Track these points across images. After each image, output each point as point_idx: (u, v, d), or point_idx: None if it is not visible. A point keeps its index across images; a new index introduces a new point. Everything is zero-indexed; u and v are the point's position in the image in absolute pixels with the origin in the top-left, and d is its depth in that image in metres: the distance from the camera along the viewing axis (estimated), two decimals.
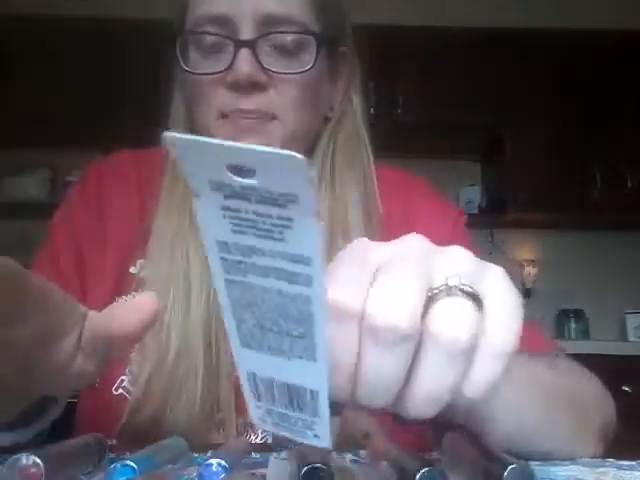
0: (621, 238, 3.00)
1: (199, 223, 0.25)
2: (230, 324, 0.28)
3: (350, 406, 0.29)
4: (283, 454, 0.44)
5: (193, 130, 0.64)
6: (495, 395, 0.38)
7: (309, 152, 0.66)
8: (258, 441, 0.61)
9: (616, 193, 2.80)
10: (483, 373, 0.27)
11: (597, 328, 2.93)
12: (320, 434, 0.30)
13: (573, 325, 2.91)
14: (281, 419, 0.30)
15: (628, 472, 0.41)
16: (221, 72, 0.58)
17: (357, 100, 0.69)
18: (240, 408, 0.60)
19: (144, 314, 0.31)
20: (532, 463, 0.38)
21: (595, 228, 2.97)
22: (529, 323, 0.68)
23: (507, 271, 0.30)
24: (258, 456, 0.43)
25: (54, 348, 0.31)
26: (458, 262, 0.28)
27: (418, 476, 0.30)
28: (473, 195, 3.03)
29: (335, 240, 0.60)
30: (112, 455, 0.39)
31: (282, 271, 0.25)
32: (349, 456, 0.44)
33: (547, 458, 0.45)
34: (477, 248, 0.71)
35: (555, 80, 2.81)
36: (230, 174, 0.23)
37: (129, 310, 0.31)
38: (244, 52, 0.57)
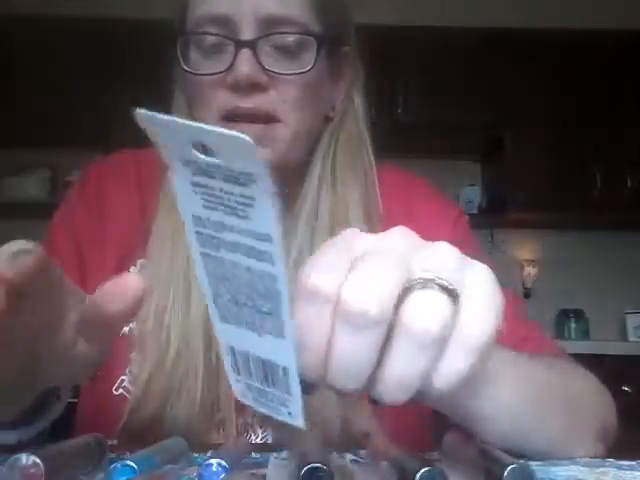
0: (621, 238, 3.00)
1: (176, 196, 0.27)
2: (208, 297, 0.29)
3: (323, 387, 0.29)
4: (283, 454, 0.44)
5: None
6: (485, 392, 0.38)
7: (310, 152, 0.66)
8: (258, 441, 0.61)
9: (616, 193, 2.80)
10: (453, 365, 0.28)
11: (597, 328, 2.93)
12: (293, 412, 0.31)
13: (573, 325, 2.92)
14: (259, 394, 0.32)
15: (628, 472, 0.41)
16: (221, 72, 0.58)
17: (359, 100, 0.69)
18: (240, 408, 0.60)
19: (134, 290, 0.32)
20: (532, 463, 0.38)
21: (595, 228, 2.97)
22: (530, 323, 0.68)
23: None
24: (258, 456, 0.43)
25: (57, 332, 0.32)
26: (439, 257, 0.29)
27: (418, 476, 0.30)
28: (473, 195, 3.03)
29: None
30: (112, 455, 0.39)
31: (248, 248, 0.26)
32: (349, 456, 0.44)
33: (543, 457, 0.45)
34: (479, 247, 0.71)
35: (555, 80, 2.81)
36: (195, 152, 0.24)
37: (119, 287, 0.32)
38: (244, 52, 0.57)
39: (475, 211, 2.93)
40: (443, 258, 0.29)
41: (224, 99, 0.59)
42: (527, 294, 3.02)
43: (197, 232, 0.27)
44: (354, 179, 0.65)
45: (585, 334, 2.90)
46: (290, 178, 0.66)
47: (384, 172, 0.69)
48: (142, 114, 0.24)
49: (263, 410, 0.32)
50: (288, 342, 0.28)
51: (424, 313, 0.27)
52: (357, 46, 0.69)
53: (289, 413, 0.31)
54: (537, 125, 2.79)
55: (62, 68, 2.67)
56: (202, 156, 0.24)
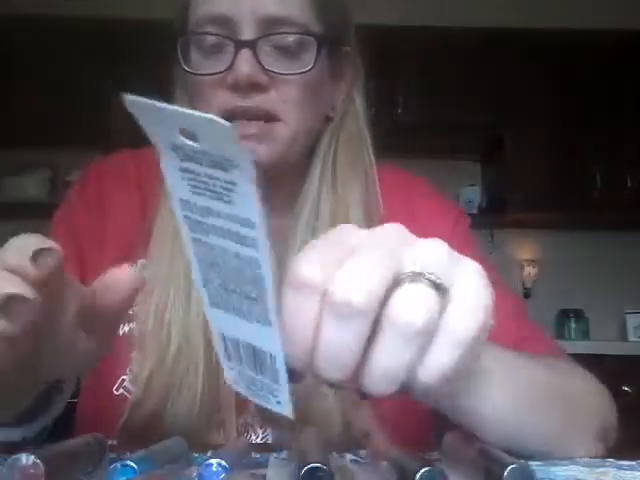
0: (621, 238, 3.00)
1: (165, 180, 0.27)
2: (198, 283, 0.30)
3: (310, 377, 0.30)
4: (283, 454, 0.44)
5: None
6: (480, 390, 0.38)
7: (311, 152, 0.66)
8: (258, 441, 0.61)
9: (616, 193, 2.80)
10: (438, 359, 0.28)
11: (597, 328, 2.93)
12: (282, 401, 0.31)
13: (573, 325, 2.92)
14: (250, 382, 0.32)
15: (628, 472, 0.41)
16: (221, 72, 0.58)
17: (360, 100, 0.69)
18: (240, 408, 0.60)
19: (129, 281, 0.33)
20: (532, 463, 0.38)
21: (595, 228, 2.97)
22: (531, 324, 0.68)
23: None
24: (258, 456, 0.43)
25: (58, 324, 0.33)
26: (430, 252, 0.30)
27: (418, 476, 0.30)
28: (473, 195, 3.03)
29: None
30: (112, 455, 0.39)
31: (234, 234, 0.26)
32: (349, 456, 0.44)
33: (541, 456, 0.45)
34: (479, 247, 0.71)
35: (555, 80, 2.81)
36: (181, 137, 0.25)
37: (115, 278, 0.34)
38: (244, 53, 0.57)
39: (475, 211, 2.93)
40: (434, 254, 0.30)
41: (224, 99, 0.59)
42: (527, 294, 3.02)
43: (186, 217, 0.28)
44: (355, 179, 0.65)
45: (585, 334, 2.90)
46: (290, 178, 0.66)
47: (384, 172, 0.69)
48: (130, 99, 0.24)
49: (254, 399, 0.33)
50: (274, 329, 0.28)
51: (410, 306, 0.28)
52: (357, 46, 0.69)
53: (278, 402, 0.31)
54: (537, 125, 2.79)
55: (62, 68, 2.67)
56: (187, 141, 0.25)
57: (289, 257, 0.30)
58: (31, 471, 0.29)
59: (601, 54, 2.81)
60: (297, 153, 0.64)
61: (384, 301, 0.28)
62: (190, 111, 0.24)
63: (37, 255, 0.31)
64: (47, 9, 2.77)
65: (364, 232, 0.31)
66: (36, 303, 0.30)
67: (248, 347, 0.30)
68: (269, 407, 0.32)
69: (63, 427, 0.50)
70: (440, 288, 0.28)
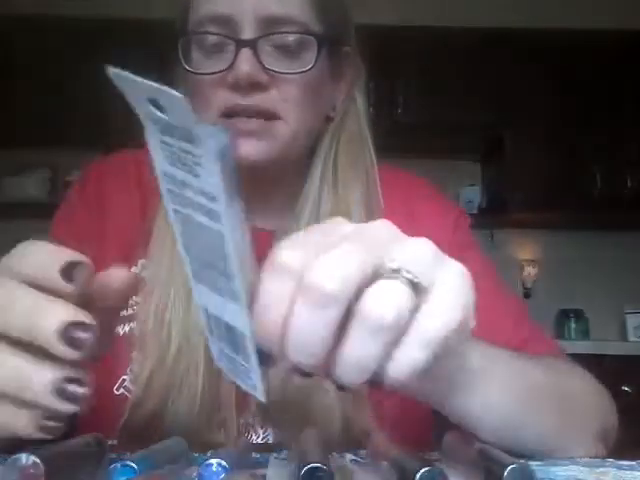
0: (621, 238, 3.00)
1: (150, 152, 0.28)
2: (184, 256, 0.30)
3: (280, 361, 0.30)
4: (283, 454, 0.44)
5: None
6: (471, 389, 0.39)
7: (311, 152, 0.66)
8: (259, 441, 0.61)
9: (616, 193, 2.80)
10: (407, 355, 0.29)
11: (597, 328, 2.93)
12: (256, 384, 0.31)
13: (573, 325, 2.92)
14: (230, 362, 0.32)
15: (628, 472, 0.41)
16: (222, 72, 0.58)
17: (361, 100, 0.69)
18: (241, 408, 0.60)
19: (125, 280, 0.34)
20: (532, 463, 0.38)
21: (595, 228, 2.97)
22: (531, 324, 0.68)
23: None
24: (258, 456, 0.43)
25: None
26: (413, 251, 0.30)
27: (418, 476, 0.30)
28: (473, 195, 3.03)
29: None
30: (112, 455, 0.39)
31: (204, 207, 0.27)
32: (349, 456, 0.44)
33: (537, 455, 0.45)
34: (479, 248, 0.71)
35: (555, 80, 2.81)
36: (152, 108, 0.25)
37: (110, 276, 0.34)
38: (245, 52, 0.57)
39: (475, 211, 2.92)
40: (417, 253, 0.30)
41: (225, 98, 0.59)
42: (527, 294, 3.02)
43: (168, 189, 0.28)
44: (356, 180, 0.65)
45: (585, 334, 2.90)
46: (291, 178, 0.66)
47: (384, 172, 0.69)
48: (114, 72, 0.25)
49: (234, 378, 0.33)
50: (243, 308, 0.28)
51: (382, 301, 0.28)
52: (358, 46, 0.69)
53: (253, 385, 0.32)
54: (537, 125, 2.79)
55: (62, 68, 2.67)
56: (158, 113, 0.25)
57: None
58: (31, 471, 0.29)
59: (601, 54, 2.81)
60: (297, 152, 0.64)
61: (360, 294, 0.28)
62: (154, 83, 0.24)
63: (68, 269, 0.30)
64: (47, 9, 2.77)
65: (352, 226, 0.32)
66: (95, 327, 0.30)
67: (225, 324, 0.31)
68: (247, 389, 0.32)
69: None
70: (416, 287, 0.29)
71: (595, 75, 2.81)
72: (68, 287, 0.30)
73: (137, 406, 0.58)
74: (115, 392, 0.61)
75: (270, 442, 0.61)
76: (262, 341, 0.29)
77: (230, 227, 0.26)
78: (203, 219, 0.27)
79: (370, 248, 0.29)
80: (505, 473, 0.32)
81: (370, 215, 0.64)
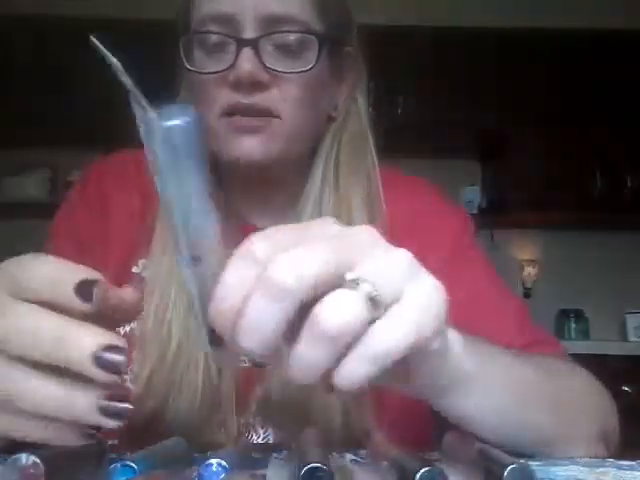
0: (621, 238, 3.00)
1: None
2: (169, 222, 0.32)
3: (231, 345, 0.30)
4: (283, 454, 0.44)
5: None
6: (464, 390, 0.39)
7: (313, 152, 0.66)
8: (259, 441, 0.61)
9: (616, 193, 2.80)
10: (351, 368, 0.29)
11: (597, 328, 2.93)
12: (204, 338, 0.32)
13: (573, 325, 2.91)
14: (197, 331, 0.33)
15: (628, 472, 0.41)
16: (223, 71, 0.58)
17: (362, 101, 0.69)
18: (241, 408, 0.60)
19: (133, 302, 0.34)
20: (532, 463, 0.38)
21: (595, 228, 2.97)
22: (534, 326, 0.68)
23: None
24: (258, 456, 0.43)
25: None
26: (386, 263, 0.30)
27: (418, 476, 0.30)
28: (473, 195, 3.03)
29: None
30: (112, 455, 0.39)
31: (160, 173, 0.29)
32: (349, 456, 0.44)
33: (535, 455, 0.45)
34: (480, 250, 0.71)
35: (555, 80, 2.81)
36: (121, 76, 0.28)
37: (119, 296, 0.34)
38: (246, 51, 0.57)
39: (475, 211, 2.92)
40: (388, 265, 0.30)
41: (226, 97, 0.59)
42: (527, 294, 3.02)
43: (150, 162, 0.30)
44: (357, 180, 0.65)
45: (585, 334, 2.90)
46: (292, 178, 0.66)
47: (385, 173, 0.69)
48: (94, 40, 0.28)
49: (205, 349, 0.34)
50: (189, 267, 0.30)
51: (333, 310, 0.28)
52: (360, 47, 0.69)
53: (204, 340, 0.33)
54: (537, 125, 2.79)
55: (62, 68, 2.67)
56: (126, 79, 0.28)
57: None
58: (31, 471, 0.29)
59: (601, 54, 2.81)
60: (298, 152, 0.64)
61: (320, 297, 0.28)
62: (102, 48, 0.28)
63: (82, 287, 0.30)
64: (47, 9, 2.77)
65: (336, 229, 0.32)
66: (126, 349, 0.30)
67: (189, 292, 0.32)
68: (202, 348, 0.34)
69: None
70: (374, 300, 0.29)
71: (595, 75, 2.80)
72: (84, 306, 0.30)
73: (137, 405, 0.58)
74: None
75: (270, 442, 0.61)
76: (217, 323, 0.30)
77: (168, 194, 0.29)
78: (165, 184, 0.29)
79: (343, 253, 0.29)
80: (505, 473, 0.32)
81: (372, 215, 0.64)
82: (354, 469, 0.40)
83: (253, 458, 0.43)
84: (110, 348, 0.30)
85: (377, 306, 0.29)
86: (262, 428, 0.61)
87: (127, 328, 0.61)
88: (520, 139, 2.80)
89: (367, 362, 0.29)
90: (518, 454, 0.42)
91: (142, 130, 0.29)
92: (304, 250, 0.28)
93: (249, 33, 0.58)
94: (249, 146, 0.59)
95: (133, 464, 0.32)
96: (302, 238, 0.30)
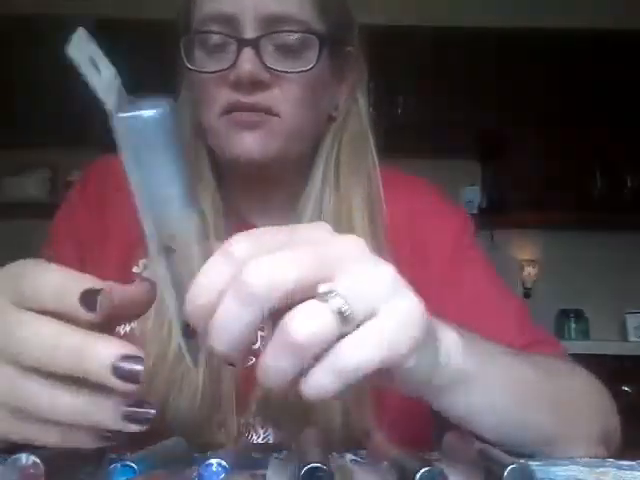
0: (621, 238, 3.00)
1: None
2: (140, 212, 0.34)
3: (202, 340, 0.31)
4: (283, 454, 0.44)
5: (199, 129, 0.64)
6: (463, 390, 0.38)
7: (313, 152, 0.66)
8: (259, 441, 0.61)
9: (616, 193, 2.80)
10: (315, 380, 0.29)
11: (597, 328, 2.93)
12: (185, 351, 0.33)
13: (573, 325, 2.92)
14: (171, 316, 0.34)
15: (628, 472, 0.41)
16: (224, 70, 0.58)
17: (363, 101, 0.69)
18: (241, 408, 0.60)
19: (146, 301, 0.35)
20: (532, 463, 0.38)
21: (595, 228, 2.97)
22: (534, 326, 0.68)
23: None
24: (258, 456, 0.43)
25: None
26: (364, 279, 0.30)
27: (418, 476, 0.30)
28: (473, 195, 3.03)
29: None
30: (112, 455, 0.39)
31: (125, 163, 0.31)
32: (349, 456, 0.44)
33: (535, 455, 0.45)
34: (480, 250, 0.71)
35: (555, 80, 2.81)
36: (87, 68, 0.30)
37: (132, 296, 0.34)
38: (247, 51, 0.57)
39: (475, 211, 2.92)
40: (367, 282, 0.30)
41: (227, 96, 0.59)
42: (527, 294, 3.02)
43: None
44: (357, 180, 0.65)
45: (585, 334, 2.90)
46: (293, 178, 0.66)
47: (386, 173, 0.69)
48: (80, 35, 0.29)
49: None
50: (163, 267, 0.31)
51: (301, 321, 0.28)
52: (361, 47, 0.69)
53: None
54: (537, 125, 2.79)
55: (62, 68, 2.66)
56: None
57: None
58: (31, 471, 0.29)
59: (601, 54, 2.81)
60: (298, 151, 0.64)
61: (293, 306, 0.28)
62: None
63: (87, 297, 0.30)
64: (47, 9, 2.77)
65: (325, 237, 0.31)
66: (143, 359, 0.30)
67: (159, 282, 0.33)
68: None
69: None
70: (344, 316, 0.29)
71: (595, 75, 2.80)
72: (88, 316, 0.30)
73: None
74: None
75: (270, 442, 0.61)
76: (191, 318, 0.30)
77: (133, 179, 0.31)
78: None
79: (322, 263, 0.29)
80: (505, 473, 0.32)
81: (372, 215, 0.64)
82: (354, 469, 0.40)
83: (253, 458, 0.43)
84: (128, 358, 0.30)
85: (347, 321, 0.29)
86: (262, 428, 0.61)
87: (127, 328, 0.61)
88: (520, 139, 2.81)
89: (332, 375, 0.29)
90: (518, 454, 0.42)
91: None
92: (282, 256, 0.29)
93: (250, 33, 0.58)
94: (249, 142, 0.59)
95: (133, 464, 0.32)
96: (288, 242, 0.30)
